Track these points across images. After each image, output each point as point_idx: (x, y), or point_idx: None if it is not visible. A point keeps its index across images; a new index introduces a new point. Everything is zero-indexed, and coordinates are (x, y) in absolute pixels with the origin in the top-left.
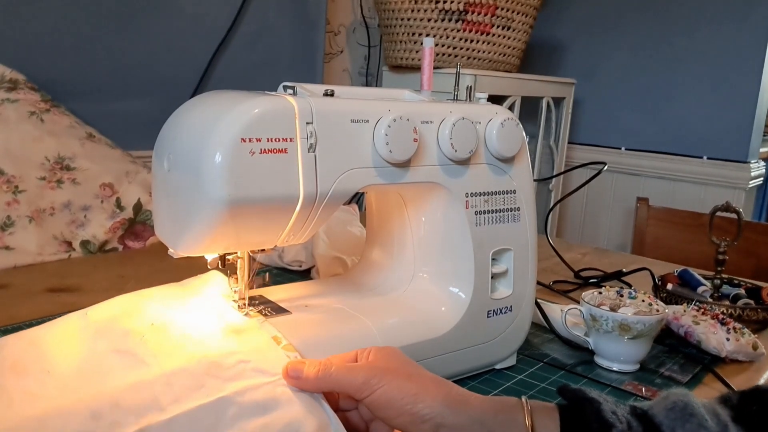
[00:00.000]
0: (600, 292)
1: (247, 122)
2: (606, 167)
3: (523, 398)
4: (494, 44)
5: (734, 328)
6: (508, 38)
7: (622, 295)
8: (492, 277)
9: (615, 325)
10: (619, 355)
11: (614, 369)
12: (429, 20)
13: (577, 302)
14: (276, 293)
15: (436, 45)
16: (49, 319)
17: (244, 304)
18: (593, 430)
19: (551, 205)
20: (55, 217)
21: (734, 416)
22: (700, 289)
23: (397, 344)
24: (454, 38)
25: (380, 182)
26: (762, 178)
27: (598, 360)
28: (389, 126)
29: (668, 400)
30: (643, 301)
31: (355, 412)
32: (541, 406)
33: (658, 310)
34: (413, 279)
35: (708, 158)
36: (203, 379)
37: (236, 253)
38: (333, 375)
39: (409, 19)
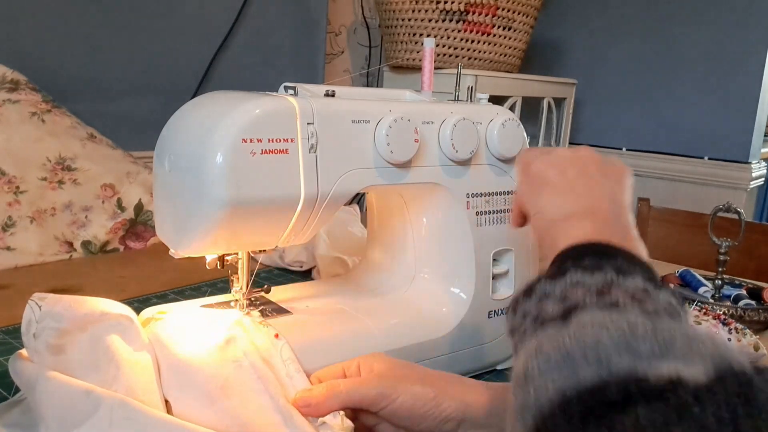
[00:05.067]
0: None
1: (248, 123)
2: None
3: None
4: (495, 45)
5: (736, 329)
6: (509, 38)
7: None
8: (493, 278)
9: None
10: None
11: None
12: (430, 21)
13: None
14: (277, 294)
15: (437, 45)
16: None
17: (245, 305)
18: None
19: None
20: (56, 218)
21: None
22: (701, 289)
23: (397, 345)
24: (454, 39)
25: (381, 183)
26: (763, 179)
27: None
28: (390, 126)
29: None
30: None
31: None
32: None
33: None
34: (414, 279)
35: (709, 159)
36: None
37: (236, 253)
38: (343, 392)
39: (409, 20)
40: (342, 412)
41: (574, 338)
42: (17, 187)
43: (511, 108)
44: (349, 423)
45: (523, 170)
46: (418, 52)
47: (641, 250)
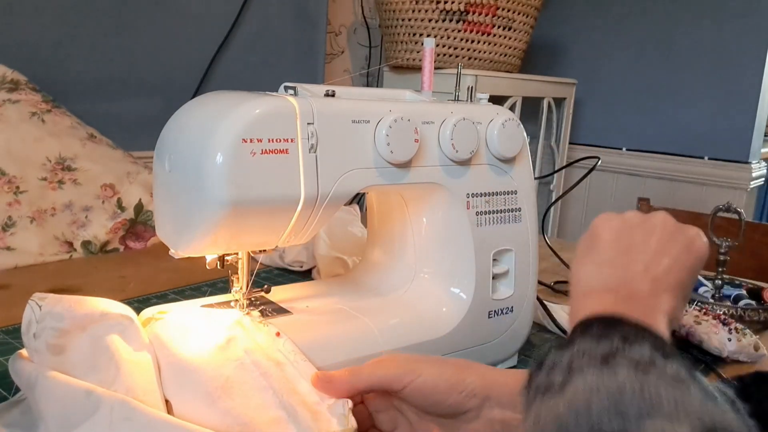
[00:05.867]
0: None
1: (248, 123)
2: (600, 162)
3: None
4: (495, 45)
5: (736, 329)
6: (509, 38)
7: None
8: (493, 278)
9: None
10: None
11: None
12: (430, 21)
13: None
14: (277, 294)
15: (437, 45)
16: None
17: (245, 305)
18: None
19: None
20: (57, 218)
21: (737, 394)
22: (701, 289)
23: (398, 345)
24: (454, 39)
25: (381, 183)
26: (763, 179)
27: None
28: (390, 126)
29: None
30: None
31: (385, 413)
32: None
33: None
34: (414, 279)
35: (709, 158)
36: None
37: (236, 253)
38: (365, 372)
39: (410, 20)
40: (350, 405)
41: (568, 405)
42: (17, 187)
43: (511, 108)
44: (353, 423)
45: (587, 234)
46: (418, 52)
47: (660, 326)
